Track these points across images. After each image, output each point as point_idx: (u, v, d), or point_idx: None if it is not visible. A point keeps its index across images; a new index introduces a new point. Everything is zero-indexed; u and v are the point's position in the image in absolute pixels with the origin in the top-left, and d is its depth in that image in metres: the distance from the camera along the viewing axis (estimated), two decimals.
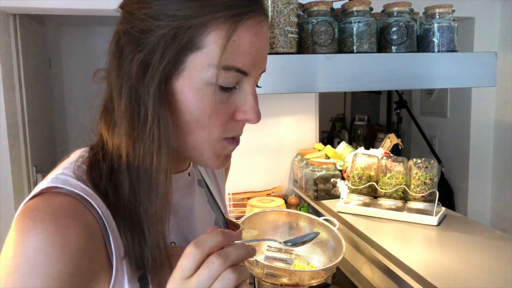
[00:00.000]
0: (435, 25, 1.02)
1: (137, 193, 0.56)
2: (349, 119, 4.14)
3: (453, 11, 1.04)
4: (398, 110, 3.05)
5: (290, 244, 0.61)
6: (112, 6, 0.60)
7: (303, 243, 0.62)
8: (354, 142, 3.61)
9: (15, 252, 0.49)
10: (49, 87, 2.87)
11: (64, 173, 0.56)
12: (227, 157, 0.63)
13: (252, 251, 0.53)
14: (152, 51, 0.54)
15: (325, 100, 4.10)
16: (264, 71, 0.61)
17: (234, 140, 0.61)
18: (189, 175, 0.70)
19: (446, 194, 2.80)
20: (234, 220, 0.81)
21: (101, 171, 0.57)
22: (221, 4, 0.53)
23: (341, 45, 1.00)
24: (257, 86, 0.62)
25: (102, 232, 0.54)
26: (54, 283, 0.49)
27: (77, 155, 0.60)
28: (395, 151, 2.33)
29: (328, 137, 3.90)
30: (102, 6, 1.75)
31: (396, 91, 3.11)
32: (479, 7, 2.50)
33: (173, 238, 0.64)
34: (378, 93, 3.54)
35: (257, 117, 0.59)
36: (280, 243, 0.60)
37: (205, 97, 0.55)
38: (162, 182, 0.56)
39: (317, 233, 0.64)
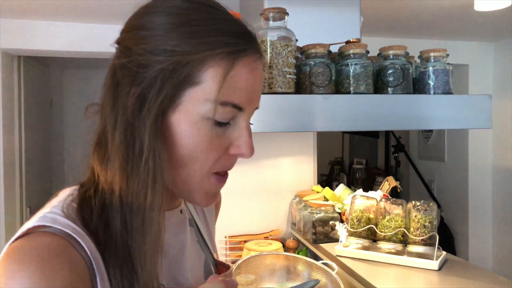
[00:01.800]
0: (430, 68, 1.04)
1: (129, 229, 0.54)
2: (347, 163, 4.15)
3: (447, 55, 1.06)
4: (396, 154, 3.06)
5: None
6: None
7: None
8: (352, 185, 3.60)
9: None
10: (49, 128, 2.89)
11: (53, 211, 0.54)
12: (216, 194, 0.62)
13: None
14: (149, 85, 0.54)
15: (324, 143, 4.13)
16: (257, 107, 0.62)
17: (223, 178, 0.61)
18: (181, 212, 0.69)
19: (447, 239, 2.76)
20: (224, 261, 0.78)
21: (91, 207, 0.55)
22: (219, 41, 0.54)
23: (338, 86, 1.02)
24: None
25: (90, 273, 0.52)
26: None
27: (66, 193, 0.58)
28: (394, 194, 2.32)
29: (327, 180, 3.89)
30: (105, 49, 1.79)
31: (394, 135, 3.14)
32: (473, 54, 2.57)
33: (161, 280, 0.60)
34: (376, 136, 3.57)
35: (251, 152, 0.60)
36: None
37: (200, 131, 0.55)
38: (155, 219, 0.55)
39: (318, 281, 0.63)
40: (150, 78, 0.54)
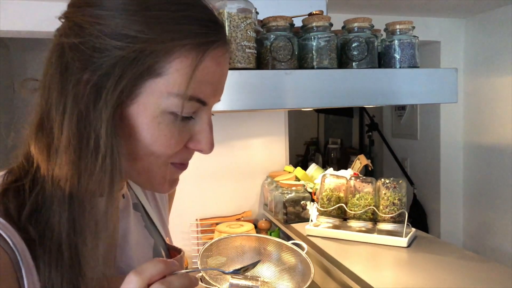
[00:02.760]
0: (396, 41, 1.01)
1: (79, 230, 0.50)
2: (323, 143, 4.15)
3: (413, 27, 1.03)
4: (370, 133, 3.07)
5: (231, 272, 0.57)
6: None
7: (245, 270, 0.58)
8: (327, 165, 3.61)
9: None
10: (12, 112, 2.77)
11: None
12: (175, 181, 0.59)
13: (195, 281, 0.49)
14: (107, 74, 0.48)
15: (299, 124, 4.11)
16: (219, 100, 0.58)
17: (182, 166, 0.58)
18: (123, 197, 0.64)
19: (419, 216, 2.79)
20: (176, 246, 0.75)
21: (23, 199, 0.50)
22: (188, 30, 0.50)
23: (301, 61, 0.98)
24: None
25: (14, 266, 0.47)
26: None
27: None
28: (366, 173, 2.32)
29: (303, 161, 3.89)
30: None
31: (368, 113, 3.14)
32: (444, 31, 2.56)
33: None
34: (351, 116, 3.57)
35: (210, 148, 0.56)
36: (223, 272, 0.55)
37: (160, 125, 0.51)
38: (110, 219, 0.51)
39: (258, 261, 0.61)
40: (108, 66, 0.48)
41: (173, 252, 0.73)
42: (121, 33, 0.48)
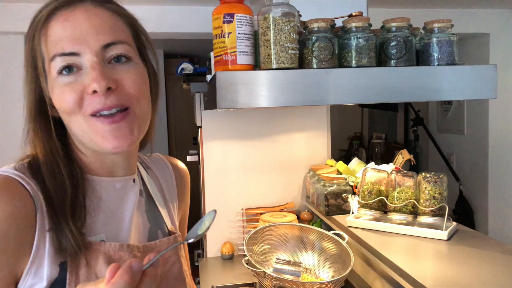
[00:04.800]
0: (434, 39, 1.04)
1: (51, 187, 0.65)
2: (366, 137, 4.13)
3: (452, 25, 1.06)
4: (415, 128, 3.04)
5: (192, 239, 0.58)
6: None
7: (204, 229, 0.59)
8: (371, 160, 3.60)
9: None
10: None
11: (5, 168, 0.66)
12: (116, 136, 0.65)
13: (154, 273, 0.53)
14: (26, 73, 0.68)
15: (343, 119, 4.12)
16: (111, 43, 0.66)
17: (110, 116, 0.65)
18: (133, 181, 0.76)
19: (466, 213, 2.75)
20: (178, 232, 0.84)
21: (38, 164, 0.67)
22: (37, 18, 0.66)
23: (341, 60, 1.04)
24: (125, 57, 0.67)
25: (34, 208, 0.62)
26: None
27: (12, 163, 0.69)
28: (410, 168, 2.33)
29: (346, 155, 3.90)
30: None
31: (413, 108, 3.11)
32: (493, 22, 2.50)
33: (103, 237, 0.68)
34: (395, 110, 3.54)
35: (98, 82, 0.63)
36: (184, 242, 0.59)
37: (56, 89, 0.65)
38: (68, 175, 0.66)
39: (213, 212, 0.61)
40: (25, 68, 0.69)
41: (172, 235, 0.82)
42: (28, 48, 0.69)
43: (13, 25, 1.97)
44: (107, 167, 0.72)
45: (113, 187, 0.72)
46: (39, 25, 0.65)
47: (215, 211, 0.61)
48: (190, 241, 0.58)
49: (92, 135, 0.66)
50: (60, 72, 0.64)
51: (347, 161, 2.01)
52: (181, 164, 0.93)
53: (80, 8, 0.65)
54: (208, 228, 0.59)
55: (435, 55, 1.04)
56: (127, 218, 0.73)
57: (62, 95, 0.64)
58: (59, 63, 0.64)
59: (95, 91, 0.63)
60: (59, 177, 0.65)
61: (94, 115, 0.64)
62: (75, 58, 0.63)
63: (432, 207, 1.42)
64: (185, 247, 0.89)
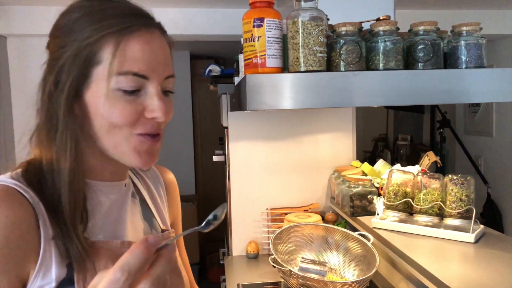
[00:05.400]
0: (462, 42, 1.05)
1: (57, 191, 0.66)
2: (391, 139, 4.10)
3: (481, 28, 1.06)
4: (441, 130, 3.00)
5: (204, 226, 0.60)
6: None
7: (216, 219, 0.60)
8: (396, 162, 3.57)
9: None
10: None
11: (3, 176, 0.67)
12: (149, 155, 0.71)
13: (171, 252, 0.55)
14: (60, 71, 0.66)
15: (368, 120, 4.10)
16: (170, 76, 0.71)
17: (152, 138, 0.70)
18: (125, 185, 0.80)
19: (493, 216, 2.70)
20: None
21: (34, 172, 0.68)
22: (108, 24, 0.65)
23: (369, 63, 1.05)
24: (170, 92, 0.72)
25: (35, 216, 0.64)
26: None
27: (8, 172, 0.70)
28: (436, 170, 2.30)
29: (371, 157, 3.87)
30: None
31: (439, 110, 3.07)
32: None
33: (101, 238, 0.72)
34: (421, 112, 3.50)
35: (164, 114, 0.68)
36: (200, 229, 0.60)
37: (112, 101, 0.66)
38: (75, 181, 0.67)
39: (223, 205, 0.62)
40: (60, 65, 0.66)
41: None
42: (67, 41, 0.66)
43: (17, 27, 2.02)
44: (109, 173, 0.76)
45: (110, 191, 0.76)
46: (110, 32, 0.65)
47: (226, 203, 0.66)
48: (206, 230, 0.60)
49: (127, 150, 0.69)
50: (125, 90, 0.66)
51: (371, 163, 2.01)
52: (169, 173, 0.98)
53: (154, 34, 0.69)
54: (220, 219, 0.61)
55: (463, 58, 1.04)
56: (123, 219, 0.77)
57: (121, 110, 0.66)
58: (129, 81, 0.66)
59: (154, 118, 0.69)
60: (62, 183, 0.67)
61: (140, 134, 0.69)
62: (143, 81, 0.67)
63: (459, 209, 1.42)
64: (180, 243, 0.96)
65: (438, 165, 1.92)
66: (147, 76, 0.67)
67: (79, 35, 0.65)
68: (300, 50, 0.99)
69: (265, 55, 1.00)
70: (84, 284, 0.64)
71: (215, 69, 2.24)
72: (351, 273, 1.44)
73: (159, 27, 0.71)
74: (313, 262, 1.35)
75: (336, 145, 2.10)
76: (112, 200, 0.76)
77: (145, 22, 0.69)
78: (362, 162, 2.02)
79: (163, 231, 0.87)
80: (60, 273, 0.64)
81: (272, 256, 1.40)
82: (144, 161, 0.71)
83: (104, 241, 0.70)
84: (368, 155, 3.94)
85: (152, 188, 0.90)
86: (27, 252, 0.62)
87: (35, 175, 0.68)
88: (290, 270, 1.30)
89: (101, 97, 0.66)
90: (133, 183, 0.86)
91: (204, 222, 0.60)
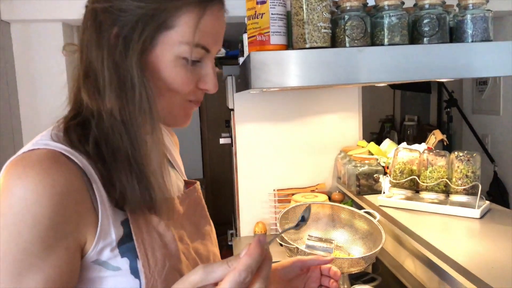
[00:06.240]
0: (468, 15, 1.04)
1: (136, 149, 0.66)
2: (398, 120, 4.08)
3: (487, 1, 1.05)
4: (449, 109, 2.98)
5: (295, 227, 0.68)
6: None
7: (303, 220, 0.69)
8: (404, 142, 3.56)
9: (7, 194, 0.58)
10: None
11: (43, 139, 0.65)
12: (190, 117, 0.76)
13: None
14: (132, 28, 0.64)
15: (374, 101, 4.07)
16: (220, 50, 0.74)
17: (197, 103, 0.74)
18: None
19: (500, 194, 2.70)
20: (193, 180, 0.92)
21: (83, 132, 0.66)
22: None
23: (374, 39, 1.05)
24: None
25: (87, 180, 0.63)
26: (44, 221, 0.57)
27: (50, 128, 0.68)
28: (443, 148, 2.30)
29: (377, 138, 3.87)
30: None
31: (446, 89, 3.05)
32: None
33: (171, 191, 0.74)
34: (428, 91, 3.47)
35: (215, 87, 0.72)
36: (287, 230, 0.67)
37: (176, 68, 0.67)
38: (157, 137, 0.67)
39: (308, 207, 0.71)
40: (133, 22, 0.64)
41: (188, 184, 0.89)
42: None
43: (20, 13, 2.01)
44: None
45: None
46: (193, 2, 0.65)
47: (309, 205, 0.72)
48: (297, 229, 0.69)
49: (176, 112, 0.72)
50: (188, 60, 0.67)
51: (378, 144, 2.01)
52: (175, 136, 1.00)
53: (223, 10, 0.70)
54: (307, 220, 0.69)
55: (469, 31, 1.03)
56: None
57: (183, 78, 0.68)
58: (197, 52, 0.67)
59: (206, 89, 0.72)
60: (142, 138, 0.66)
61: (190, 100, 0.73)
62: (205, 53, 0.69)
63: (465, 185, 1.42)
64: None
65: (445, 144, 1.92)
66: (210, 50, 0.69)
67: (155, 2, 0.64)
68: (304, 26, 0.99)
69: (269, 32, 1.00)
70: (143, 240, 0.66)
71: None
72: (358, 250, 1.46)
73: (223, 1, 0.72)
74: (320, 239, 1.37)
75: (343, 126, 2.10)
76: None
77: None
78: (369, 143, 2.02)
79: (185, 182, 0.90)
80: (118, 232, 0.65)
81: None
82: (187, 122, 0.75)
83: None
84: (375, 136, 3.93)
85: (166, 143, 0.92)
86: (82, 218, 0.62)
87: (82, 134, 0.66)
88: (297, 247, 1.32)
89: (165, 62, 0.66)
90: None
91: (295, 224, 0.70)
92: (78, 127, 0.67)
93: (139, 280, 0.65)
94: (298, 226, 0.68)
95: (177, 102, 0.71)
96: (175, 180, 0.84)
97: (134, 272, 0.65)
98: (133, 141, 0.66)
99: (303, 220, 0.67)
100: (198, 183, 0.90)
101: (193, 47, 0.66)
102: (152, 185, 0.66)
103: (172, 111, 0.72)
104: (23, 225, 0.56)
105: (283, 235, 1.39)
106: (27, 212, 0.57)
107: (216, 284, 0.52)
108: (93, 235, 0.63)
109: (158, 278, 0.65)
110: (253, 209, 2.05)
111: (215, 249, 0.86)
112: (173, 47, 0.65)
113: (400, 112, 4.08)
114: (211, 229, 0.87)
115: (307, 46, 1.00)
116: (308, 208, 0.69)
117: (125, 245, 0.65)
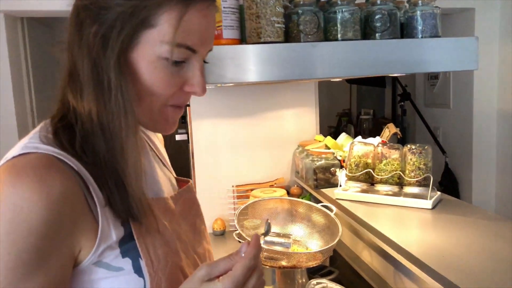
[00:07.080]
0: (418, 12, 1.06)
1: (112, 154, 0.63)
2: (355, 114, 4.17)
3: None
4: (402, 103, 3.07)
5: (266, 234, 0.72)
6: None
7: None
8: (360, 135, 3.64)
9: (2, 201, 0.55)
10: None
11: (31, 142, 0.61)
12: (175, 123, 0.71)
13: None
14: (111, 26, 0.60)
15: (331, 96, 4.14)
16: (211, 49, 0.68)
17: (180, 108, 0.70)
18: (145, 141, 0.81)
19: (451, 184, 2.82)
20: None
21: (72, 134, 0.63)
22: None
23: (327, 34, 1.05)
24: (205, 62, 0.69)
25: (80, 185, 0.60)
26: (39, 230, 0.55)
27: (32, 132, 0.65)
28: (397, 141, 2.36)
29: (335, 132, 3.94)
30: None
31: (400, 83, 3.14)
32: None
33: (147, 194, 0.70)
34: (383, 86, 3.56)
35: (203, 90, 0.67)
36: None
37: (156, 69, 0.62)
38: (132, 143, 0.63)
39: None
40: (111, 20, 0.60)
41: (181, 182, 0.87)
42: None
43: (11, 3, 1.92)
44: None
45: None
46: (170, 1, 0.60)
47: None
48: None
49: (157, 117, 0.67)
50: (172, 60, 0.62)
51: (336, 138, 2.04)
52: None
53: (211, 7, 0.65)
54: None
55: (419, 27, 1.05)
56: (156, 174, 0.77)
57: (164, 80, 0.63)
58: (180, 52, 0.62)
59: (193, 92, 0.67)
60: (123, 141, 0.63)
61: (172, 105, 0.68)
62: (191, 53, 0.64)
63: (418, 177, 1.46)
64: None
65: (398, 137, 1.97)
66: (196, 50, 0.64)
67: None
68: (257, 21, 0.98)
69: (221, 26, 0.98)
70: (144, 239, 0.65)
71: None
72: (316, 244, 1.47)
73: None
74: (278, 234, 1.36)
75: (300, 121, 2.11)
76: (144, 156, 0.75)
77: None
78: (326, 137, 2.05)
79: (177, 180, 0.88)
80: (118, 233, 0.63)
81: (237, 231, 1.40)
82: (170, 129, 0.70)
83: (154, 199, 0.71)
84: (332, 130, 4.00)
85: (153, 139, 0.89)
86: (78, 225, 0.59)
87: (72, 136, 0.62)
88: None
89: (145, 61, 0.62)
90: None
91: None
92: (66, 129, 0.64)
93: (143, 279, 0.64)
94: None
95: (157, 106, 0.66)
96: (166, 180, 0.82)
97: (138, 271, 0.64)
98: (108, 145, 0.63)
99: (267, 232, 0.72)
100: (191, 181, 0.88)
101: (175, 46, 0.61)
102: (127, 193, 0.63)
103: (152, 116, 0.67)
104: (18, 234, 0.54)
105: (241, 232, 1.38)
106: (22, 221, 0.54)
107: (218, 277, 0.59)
108: (92, 239, 0.61)
109: (162, 275, 0.66)
110: (212, 206, 2.02)
111: (210, 247, 0.86)
112: (154, 46, 0.61)
113: (357, 106, 4.17)
114: (205, 228, 0.87)
115: (261, 40, 0.99)
116: (267, 224, 0.73)
117: (126, 245, 0.64)
